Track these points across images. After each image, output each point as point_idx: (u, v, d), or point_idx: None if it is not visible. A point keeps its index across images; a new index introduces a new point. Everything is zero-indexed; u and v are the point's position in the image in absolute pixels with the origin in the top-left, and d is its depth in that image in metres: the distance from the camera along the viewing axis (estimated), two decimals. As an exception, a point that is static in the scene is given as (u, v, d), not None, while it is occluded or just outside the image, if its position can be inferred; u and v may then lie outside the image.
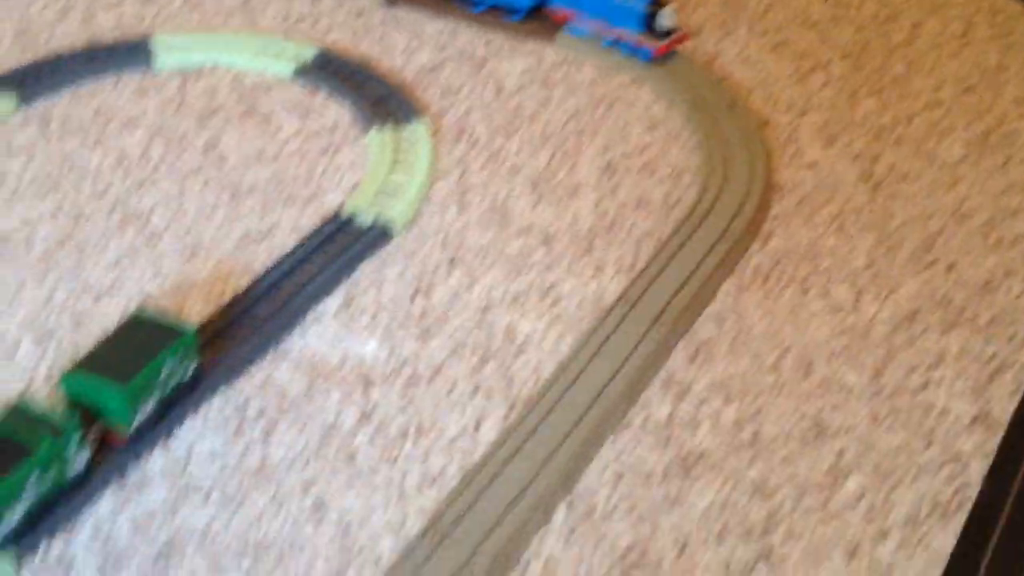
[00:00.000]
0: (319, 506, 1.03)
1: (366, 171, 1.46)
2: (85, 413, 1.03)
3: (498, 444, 1.08)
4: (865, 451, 1.08)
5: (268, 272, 1.29)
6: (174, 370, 1.09)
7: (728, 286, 1.28)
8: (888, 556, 0.99)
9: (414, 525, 1.01)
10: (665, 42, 1.65)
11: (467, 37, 1.76)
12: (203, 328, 1.19)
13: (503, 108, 1.60)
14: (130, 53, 1.67)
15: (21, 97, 1.58)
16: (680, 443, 1.09)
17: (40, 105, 1.58)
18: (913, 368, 1.17)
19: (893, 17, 1.81)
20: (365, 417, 1.12)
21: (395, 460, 1.08)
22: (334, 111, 1.59)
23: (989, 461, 1.07)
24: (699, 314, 1.24)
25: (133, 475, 1.05)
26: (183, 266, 1.31)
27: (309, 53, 1.68)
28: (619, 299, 1.25)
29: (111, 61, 1.66)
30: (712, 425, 1.11)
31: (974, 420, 1.11)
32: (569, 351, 1.19)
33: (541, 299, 1.26)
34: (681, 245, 1.32)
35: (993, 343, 1.20)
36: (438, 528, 1.01)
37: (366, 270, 1.31)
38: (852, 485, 1.04)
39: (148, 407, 1.06)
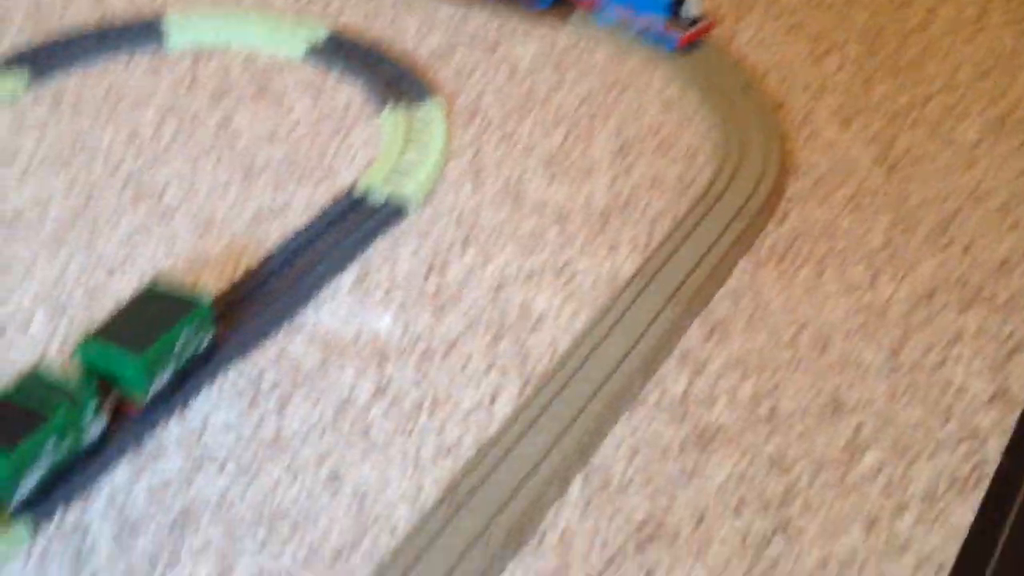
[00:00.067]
0: (334, 477, 1.03)
1: (379, 150, 1.46)
2: (101, 382, 1.02)
3: (513, 418, 1.08)
4: (883, 427, 1.07)
5: (282, 248, 1.28)
6: (189, 341, 1.08)
7: (744, 264, 1.27)
8: (906, 530, 0.98)
9: (430, 495, 1.01)
10: (691, 31, 1.64)
11: (479, 21, 1.76)
12: (217, 302, 1.19)
13: (516, 90, 1.59)
14: (142, 32, 1.67)
15: (33, 75, 1.57)
16: (696, 418, 1.08)
17: (52, 83, 1.58)
18: (931, 346, 1.16)
19: (908, 2, 1.81)
20: (380, 391, 1.12)
21: (410, 432, 1.07)
22: (346, 91, 1.58)
23: (1007, 438, 1.06)
24: (715, 292, 1.23)
25: (149, 444, 1.05)
26: (196, 242, 1.30)
27: (321, 34, 1.68)
28: (634, 276, 1.24)
29: (123, 40, 1.65)
30: (729, 401, 1.10)
31: (992, 397, 1.10)
32: (584, 328, 1.18)
33: (556, 277, 1.26)
34: (696, 224, 1.31)
35: (1010, 322, 1.19)
36: (454, 498, 1.00)
37: (380, 247, 1.30)
38: (870, 460, 1.04)
39: (164, 377, 1.06)
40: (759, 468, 1.03)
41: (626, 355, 1.14)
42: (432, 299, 1.23)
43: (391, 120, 1.50)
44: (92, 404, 1.00)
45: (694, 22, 1.65)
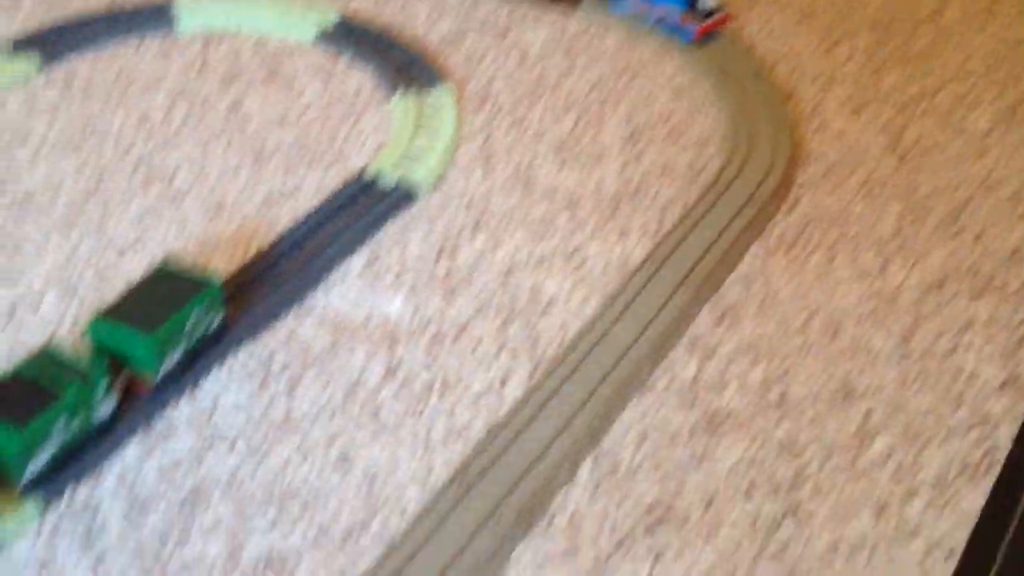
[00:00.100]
0: (344, 458, 1.03)
1: (390, 135, 1.46)
2: (112, 360, 1.02)
3: (523, 401, 1.08)
4: (893, 413, 1.07)
5: (292, 230, 1.28)
6: (200, 321, 1.08)
7: (755, 251, 1.27)
8: (916, 515, 0.98)
9: (439, 477, 1.01)
10: (707, 23, 1.63)
11: (489, 7, 1.76)
12: (227, 283, 1.19)
13: (526, 76, 1.59)
14: (152, 16, 1.67)
15: (44, 58, 1.57)
16: (706, 403, 1.08)
17: (63, 66, 1.58)
18: (941, 333, 1.16)
19: (919, -8, 1.81)
20: (390, 373, 1.12)
21: (420, 414, 1.07)
22: (357, 76, 1.58)
23: (1018, 424, 1.06)
24: (725, 278, 1.23)
25: (159, 424, 1.05)
26: (207, 224, 1.30)
27: (332, 19, 1.68)
28: (644, 262, 1.24)
29: (133, 24, 1.65)
30: (739, 386, 1.10)
31: (1003, 384, 1.10)
32: (594, 312, 1.18)
33: (566, 262, 1.26)
34: (707, 210, 1.31)
35: (1022, 310, 1.19)
36: (464, 480, 1.00)
37: (390, 231, 1.30)
38: (880, 445, 1.04)
39: (174, 357, 1.06)
40: (769, 452, 1.03)
41: (636, 340, 1.14)
42: (442, 283, 1.23)
43: (402, 106, 1.50)
44: (103, 383, 1.00)
45: (710, 14, 1.65)
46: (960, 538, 0.96)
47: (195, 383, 1.09)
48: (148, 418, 1.05)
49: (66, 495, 0.98)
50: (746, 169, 1.37)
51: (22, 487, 0.96)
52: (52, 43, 1.60)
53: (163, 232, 1.29)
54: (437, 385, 1.10)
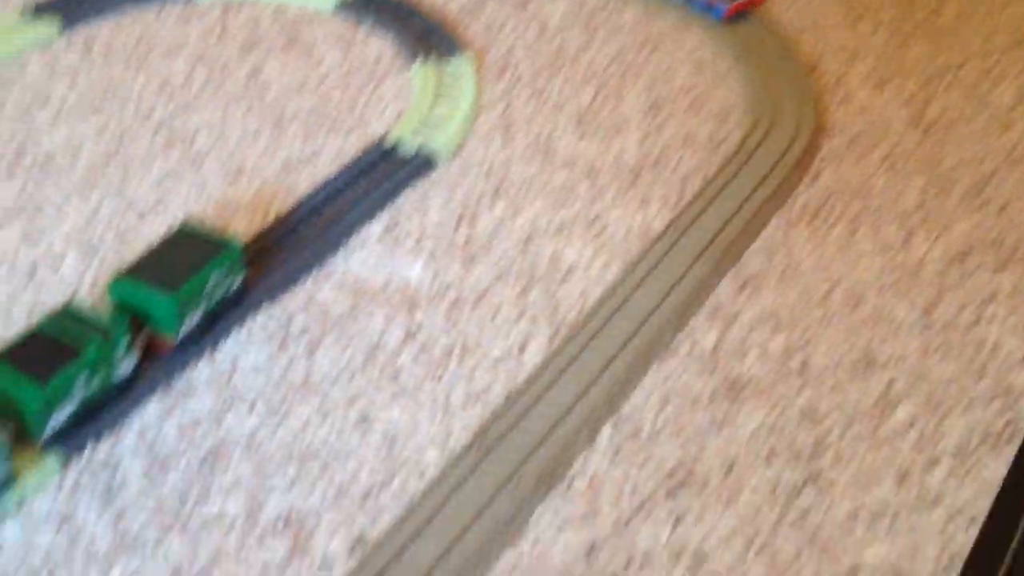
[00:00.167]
0: (364, 419, 1.03)
1: (409, 103, 1.45)
2: (133, 319, 1.02)
3: (543, 366, 1.08)
4: (915, 382, 1.06)
5: (312, 195, 1.28)
6: (220, 282, 1.08)
7: (777, 222, 1.26)
8: (938, 484, 0.97)
9: (459, 440, 1.01)
10: (738, 1, 1.62)
11: (511, -22, 1.74)
12: (247, 247, 1.19)
13: (546, 47, 1.58)
14: (173, -17, 1.66)
15: (65, 22, 1.57)
16: (727, 370, 1.08)
17: (83, 31, 1.57)
18: (964, 305, 1.15)
19: (944, -33, 1.79)
20: (410, 337, 1.11)
21: (440, 379, 1.07)
22: (376, 45, 1.58)
23: (1041, 396, 1.06)
24: (747, 248, 1.22)
25: (179, 383, 1.05)
26: (227, 188, 1.30)
27: (352, -12, 1.67)
28: (666, 230, 1.24)
29: (154, -10, 1.65)
30: (760, 354, 1.09)
31: (1026, 356, 1.10)
32: (614, 279, 1.18)
33: (586, 229, 1.25)
34: (729, 181, 1.30)
35: (1045, 283, 1.18)
36: (483, 443, 1.00)
37: (410, 197, 1.30)
38: (902, 414, 1.03)
39: (195, 317, 1.06)
40: (790, 420, 1.03)
41: (657, 307, 1.13)
42: (462, 249, 1.22)
43: (421, 74, 1.50)
44: (124, 340, 1.00)
45: None
46: (982, 507, 0.95)
47: (215, 344, 1.09)
48: (168, 377, 1.05)
49: (86, 451, 0.98)
50: (769, 140, 1.36)
51: (43, 443, 0.96)
52: (72, 7, 1.60)
53: (183, 195, 1.29)
54: (456, 350, 1.10)
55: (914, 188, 1.31)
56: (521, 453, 0.99)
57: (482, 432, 1.01)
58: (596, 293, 1.16)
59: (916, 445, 1.00)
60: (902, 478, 0.98)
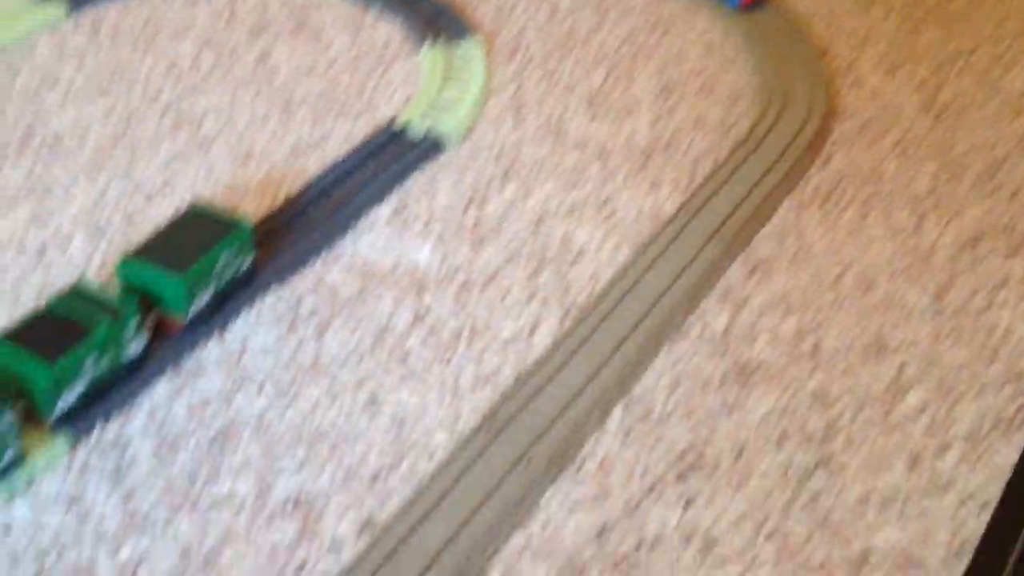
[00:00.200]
0: (373, 401, 1.02)
1: (418, 87, 1.44)
2: (143, 299, 1.02)
3: (554, 348, 1.07)
4: (927, 367, 1.06)
5: (321, 178, 1.28)
6: (229, 263, 1.08)
7: (788, 205, 1.26)
8: (949, 469, 0.97)
9: (468, 423, 1.01)
10: None
11: (520, -39, 1.73)
12: (255, 229, 1.18)
13: (556, 29, 1.57)
14: (181, -35, 1.65)
15: (72, 4, 1.56)
16: (737, 353, 1.07)
17: (90, 13, 1.57)
18: (976, 290, 1.14)
19: (956, -49, 1.78)
20: (418, 319, 1.11)
21: (448, 361, 1.07)
22: (385, 28, 1.57)
23: (1054, 381, 1.05)
24: (758, 231, 1.22)
25: (188, 364, 1.05)
26: (235, 171, 1.30)
27: (361, -30, 1.66)
28: (677, 213, 1.23)
29: (162, -28, 1.64)
30: (771, 337, 1.09)
31: (1039, 341, 1.09)
32: (625, 261, 1.17)
33: (597, 211, 1.25)
34: (740, 164, 1.30)
35: (1058, 268, 1.18)
36: (493, 425, 1.00)
37: (419, 180, 1.29)
38: (913, 399, 1.03)
39: (204, 298, 1.06)
40: (801, 403, 1.02)
41: (667, 289, 1.13)
42: (471, 232, 1.22)
43: (430, 57, 1.49)
44: (134, 320, 0.99)
45: None
46: (993, 492, 0.95)
47: (224, 325, 1.09)
48: (177, 358, 1.04)
49: (96, 431, 0.98)
50: (780, 124, 1.36)
51: (52, 423, 0.96)
52: (80, -10, 1.59)
53: (191, 178, 1.28)
54: (466, 332, 1.10)
55: (926, 173, 1.31)
56: (531, 435, 0.99)
57: (492, 414, 1.01)
58: (607, 275, 1.16)
59: (928, 430, 1.00)
60: (913, 463, 0.97)
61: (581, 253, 1.18)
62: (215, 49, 1.51)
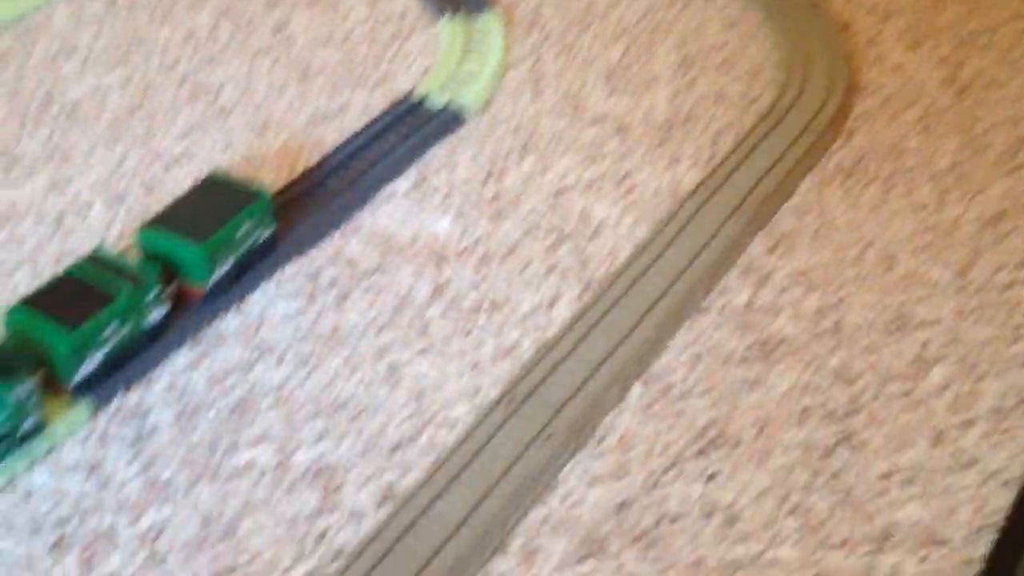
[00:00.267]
0: (393, 373, 1.02)
1: (437, 58, 1.43)
2: (164, 267, 1.02)
3: (573, 321, 1.07)
4: (950, 343, 1.05)
5: (339, 148, 1.27)
6: (249, 232, 1.07)
7: (810, 181, 1.25)
8: (972, 446, 0.96)
9: (488, 395, 1.00)
10: None
11: (539, -67, 1.72)
12: (274, 199, 1.18)
13: (575, 3, 1.56)
14: (198, -66, 1.64)
15: (89, -27, 1.55)
16: (760, 329, 1.07)
17: (107, -19, 1.56)
18: (1000, 266, 1.14)
19: (980, -73, 1.76)
20: (438, 291, 1.11)
21: (468, 333, 1.06)
22: (402, 0, 1.56)
23: (1077, 359, 1.04)
24: (779, 207, 1.21)
25: (208, 334, 1.04)
26: (253, 140, 1.29)
27: (379, -59, 1.65)
28: (697, 188, 1.22)
29: (179, -59, 1.63)
30: (793, 313, 1.08)
31: (1063, 319, 1.08)
32: (645, 236, 1.17)
33: (616, 186, 1.24)
34: (761, 139, 1.29)
35: (1082, 247, 1.17)
36: (513, 398, 0.99)
37: (438, 153, 1.29)
38: (937, 376, 1.02)
39: (224, 267, 1.05)
40: (823, 380, 1.02)
41: (688, 265, 1.12)
42: (490, 204, 1.21)
43: (449, 29, 1.48)
44: (155, 287, 0.99)
45: None
46: (1017, 469, 0.94)
47: (243, 296, 1.08)
48: (197, 327, 1.04)
49: (116, 400, 0.98)
50: (802, 99, 1.34)
51: (73, 390, 0.95)
52: (96, -42, 1.58)
53: (209, 147, 1.28)
54: (485, 305, 1.09)
55: (948, 150, 1.30)
56: (551, 409, 0.99)
57: (511, 387, 1.00)
58: (626, 250, 1.15)
59: (951, 407, 0.99)
60: (936, 439, 0.97)
61: (600, 228, 1.18)
62: (232, 19, 1.50)
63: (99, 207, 1.18)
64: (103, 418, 0.97)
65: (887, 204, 1.22)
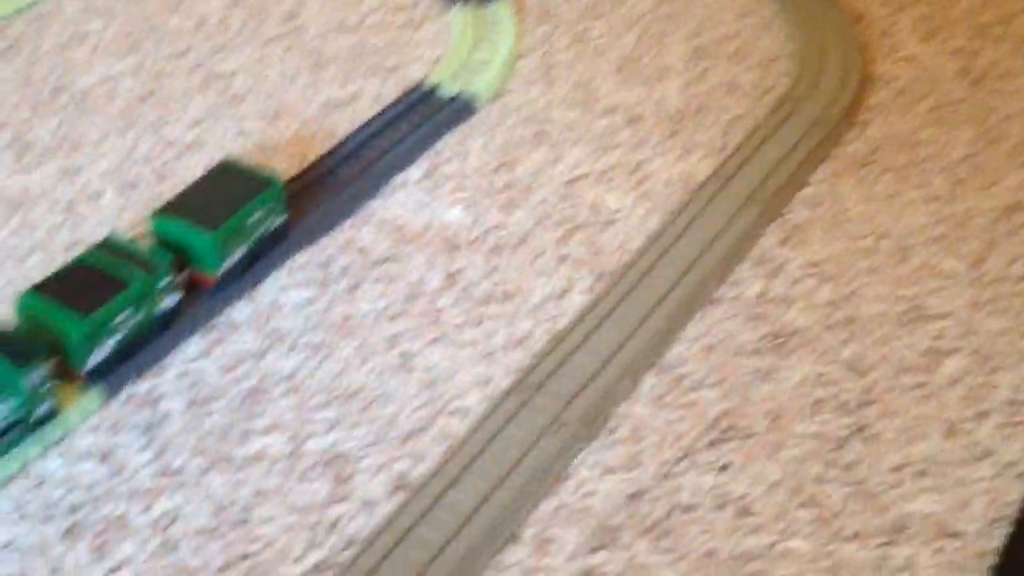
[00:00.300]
0: (404, 361, 1.02)
1: (449, 47, 1.43)
2: (176, 254, 1.02)
3: (584, 312, 1.06)
4: (965, 335, 1.05)
5: (351, 137, 1.27)
6: (261, 220, 1.07)
7: (823, 172, 1.24)
8: (986, 438, 0.96)
9: (500, 384, 1.00)
10: None
11: (551, -78, 1.71)
12: (286, 186, 1.18)
13: (588, -8, 1.55)
14: (209, -79, 1.64)
15: (100, -40, 1.55)
16: (772, 320, 1.06)
17: (119, -32, 1.55)
18: (1015, 258, 1.13)
19: (995, -83, 1.74)
20: (450, 280, 1.10)
21: (480, 322, 1.06)
22: (415, -12, 1.55)
23: (1092, 352, 1.04)
24: (792, 198, 1.21)
25: (220, 322, 1.04)
26: (265, 127, 1.29)
27: (390, -71, 1.64)
28: (709, 178, 1.22)
29: (190, -71, 1.62)
30: (805, 304, 1.08)
31: (1077, 312, 1.08)
32: (657, 227, 1.16)
33: (628, 176, 1.23)
34: (774, 130, 1.28)
35: (1097, 239, 1.16)
36: (525, 387, 0.99)
37: (449, 141, 1.28)
38: (951, 367, 1.02)
39: (236, 255, 1.05)
40: (836, 371, 1.01)
41: (700, 255, 1.12)
42: (502, 194, 1.21)
43: (460, 18, 1.47)
44: (167, 275, 0.99)
45: None
46: (1031, 462, 0.94)
47: (255, 283, 1.08)
48: (209, 315, 1.04)
49: (128, 387, 0.98)
50: (816, 90, 1.34)
51: (85, 377, 0.95)
52: (108, -55, 1.58)
53: (220, 135, 1.27)
54: (497, 294, 1.09)
55: (963, 140, 1.29)
56: (563, 399, 0.98)
57: (524, 376, 1.00)
58: (638, 241, 1.15)
59: (964, 399, 0.99)
60: (950, 431, 0.96)
61: (612, 218, 1.17)
62: (244, 7, 1.50)
63: (111, 194, 1.18)
64: (115, 405, 0.97)
65: (901, 195, 1.21)
